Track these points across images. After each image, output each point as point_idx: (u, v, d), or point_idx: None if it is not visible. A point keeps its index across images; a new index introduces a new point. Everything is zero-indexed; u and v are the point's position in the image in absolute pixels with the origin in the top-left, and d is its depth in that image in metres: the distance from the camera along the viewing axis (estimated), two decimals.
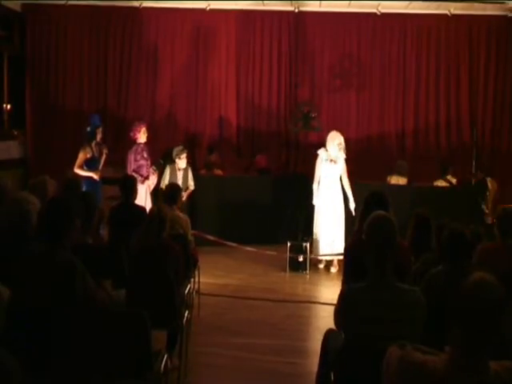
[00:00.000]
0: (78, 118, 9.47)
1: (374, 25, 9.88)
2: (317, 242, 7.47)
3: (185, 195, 7.69)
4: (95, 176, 7.25)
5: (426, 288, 3.09)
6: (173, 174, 7.86)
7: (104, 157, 7.40)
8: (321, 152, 7.54)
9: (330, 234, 7.44)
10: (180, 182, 7.71)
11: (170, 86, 10.03)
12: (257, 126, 10.19)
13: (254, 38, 10.05)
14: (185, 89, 10.06)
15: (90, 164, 7.27)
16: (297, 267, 7.29)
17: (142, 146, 7.56)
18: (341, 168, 7.49)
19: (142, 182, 7.36)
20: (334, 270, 7.51)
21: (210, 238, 7.76)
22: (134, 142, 7.64)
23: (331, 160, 7.43)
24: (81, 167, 7.22)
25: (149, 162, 7.64)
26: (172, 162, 7.90)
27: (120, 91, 9.94)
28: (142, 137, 7.57)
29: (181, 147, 7.96)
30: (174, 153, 7.85)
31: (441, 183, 8.63)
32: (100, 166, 7.34)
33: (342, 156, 7.51)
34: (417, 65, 9.99)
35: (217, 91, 10.13)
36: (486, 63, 9.84)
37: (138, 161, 7.49)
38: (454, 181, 8.68)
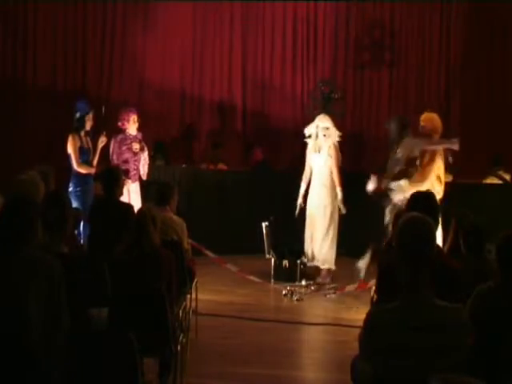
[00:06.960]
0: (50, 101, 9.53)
1: None
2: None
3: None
4: (92, 172, 7.13)
5: (474, 306, 3.08)
6: None
7: (101, 146, 7.21)
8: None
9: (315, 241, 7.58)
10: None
11: (161, 62, 10.06)
12: (267, 112, 10.21)
13: (264, 3, 10.08)
14: (179, 66, 10.09)
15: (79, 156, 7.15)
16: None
17: (131, 137, 7.46)
18: (324, 159, 7.64)
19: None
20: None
21: (210, 254, 7.77)
22: (122, 132, 7.49)
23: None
24: (80, 162, 7.08)
25: (137, 159, 7.42)
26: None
27: (102, 68, 9.98)
28: (131, 127, 7.47)
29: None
30: None
31: (491, 180, 8.58)
32: (95, 160, 7.19)
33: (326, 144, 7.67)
34: (464, 34, 9.97)
35: (218, 68, 10.16)
36: None
37: (122, 153, 7.37)
38: (507, 177, 8.64)
